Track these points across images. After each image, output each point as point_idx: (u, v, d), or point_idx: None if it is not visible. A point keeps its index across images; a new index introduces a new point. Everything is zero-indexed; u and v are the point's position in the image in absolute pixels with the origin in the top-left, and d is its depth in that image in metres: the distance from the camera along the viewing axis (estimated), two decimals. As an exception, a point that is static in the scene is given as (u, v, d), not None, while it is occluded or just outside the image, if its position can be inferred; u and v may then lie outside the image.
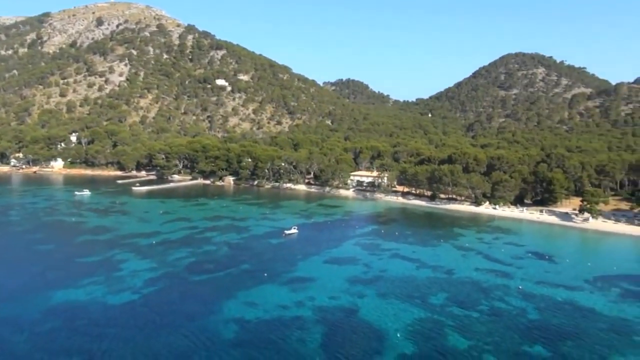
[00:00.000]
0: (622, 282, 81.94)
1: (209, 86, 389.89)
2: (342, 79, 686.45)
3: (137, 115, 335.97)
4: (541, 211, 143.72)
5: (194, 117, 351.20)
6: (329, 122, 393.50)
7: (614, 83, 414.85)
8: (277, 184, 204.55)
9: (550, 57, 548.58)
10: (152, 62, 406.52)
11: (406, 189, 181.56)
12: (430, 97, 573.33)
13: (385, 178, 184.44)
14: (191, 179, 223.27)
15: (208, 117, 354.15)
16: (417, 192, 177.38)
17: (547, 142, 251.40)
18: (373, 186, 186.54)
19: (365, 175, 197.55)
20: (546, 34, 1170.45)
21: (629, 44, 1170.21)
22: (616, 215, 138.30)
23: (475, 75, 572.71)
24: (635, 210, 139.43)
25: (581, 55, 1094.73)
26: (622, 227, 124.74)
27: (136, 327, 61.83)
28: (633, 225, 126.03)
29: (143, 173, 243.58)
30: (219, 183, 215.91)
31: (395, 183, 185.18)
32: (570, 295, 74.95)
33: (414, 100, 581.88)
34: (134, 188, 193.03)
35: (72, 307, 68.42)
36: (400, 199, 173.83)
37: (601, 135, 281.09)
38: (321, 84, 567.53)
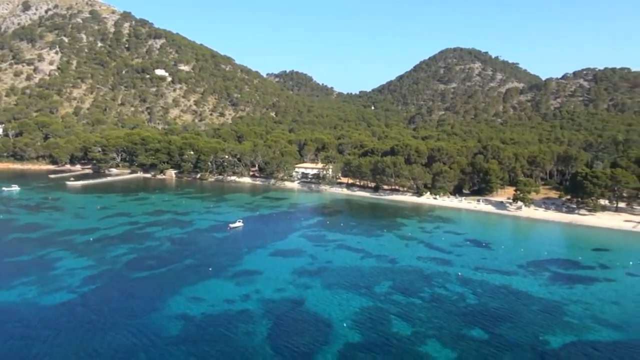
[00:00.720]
0: (552, 266, 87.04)
1: (147, 76, 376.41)
2: (285, 71, 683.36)
3: (70, 106, 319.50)
4: (478, 200, 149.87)
5: (132, 109, 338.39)
6: (273, 114, 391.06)
7: (544, 78, 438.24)
8: (221, 176, 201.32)
9: (486, 52, 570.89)
10: (86, 50, 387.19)
11: (350, 181, 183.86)
12: (373, 90, 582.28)
13: (330, 170, 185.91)
14: (130, 173, 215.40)
15: (147, 108, 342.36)
16: (361, 183, 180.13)
17: (484, 135, 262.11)
18: (318, 178, 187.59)
19: (310, 168, 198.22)
20: (481, 30, 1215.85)
21: (557, 41, 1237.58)
22: (546, 203, 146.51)
23: (416, 69, 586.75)
24: (563, 199, 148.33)
25: (513, 52, 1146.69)
26: (552, 215, 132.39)
27: (73, 328, 59.13)
28: (561, 213, 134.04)
29: (78, 167, 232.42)
30: (160, 176, 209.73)
31: (339, 175, 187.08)
32: (506, 280, 78.78)
33: (357, 93, 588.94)
34: (68, 183, 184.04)
35: (0, 309, 64.45)
36: (345, 191, 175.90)
37: (532, 127, 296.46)
38: (264, 76, 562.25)
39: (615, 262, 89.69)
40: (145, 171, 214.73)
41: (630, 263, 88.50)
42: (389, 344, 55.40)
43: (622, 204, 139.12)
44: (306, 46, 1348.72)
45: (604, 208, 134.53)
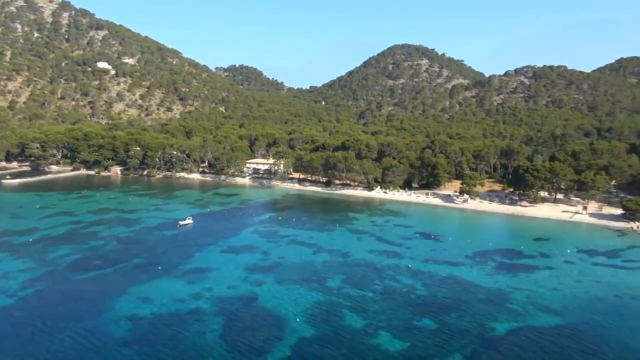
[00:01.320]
0: (496, 256, 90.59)
1: (89, 69, 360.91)
2: (235, 65, 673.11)
3: (4, 100, 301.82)
4: (427, 194, 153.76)
5: (73, 103, 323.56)
6: (222, 109, 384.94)
7: (487, 75, 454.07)
8: (169, 173, 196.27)
9: (433, 49, 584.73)
10: (21, 40, 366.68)
11: (302, 176, 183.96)
12: (324, 85, 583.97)
13: (282, 165, 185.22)
14: (72, 170, 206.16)
15: (90, 102, 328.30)
16: (313, 178, 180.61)
17: (431, 130, 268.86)
18: (269, 174, 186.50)
19: (261, 163, 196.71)
20: (428, 27, 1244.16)
21: (498, 39, 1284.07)
22: (490, 196, 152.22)
23: (365, 65, 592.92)
24: (506, 191, 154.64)
25: (459, 49, 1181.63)
26: (496, 207, 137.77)
27: (12, 333, 56.11)
28: (504, 205, 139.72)
29: (14, 164, 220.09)
30: (104, 173, 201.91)
31: (291, 170, 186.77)
32: (454, 271, 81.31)
33: (308, 88, 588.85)
34: (3, 181, 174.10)
35: None
36: (297, 186, 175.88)
37: (477, 123, 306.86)
38: (213, 70, 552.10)
39: (554, 250, 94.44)
40: (89, 168, 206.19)
41: (568, 251, 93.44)
42: (342, 336, 56.00)
43: (560, 196, 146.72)
44: (256, 40, 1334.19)
45: (543, 199, 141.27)
